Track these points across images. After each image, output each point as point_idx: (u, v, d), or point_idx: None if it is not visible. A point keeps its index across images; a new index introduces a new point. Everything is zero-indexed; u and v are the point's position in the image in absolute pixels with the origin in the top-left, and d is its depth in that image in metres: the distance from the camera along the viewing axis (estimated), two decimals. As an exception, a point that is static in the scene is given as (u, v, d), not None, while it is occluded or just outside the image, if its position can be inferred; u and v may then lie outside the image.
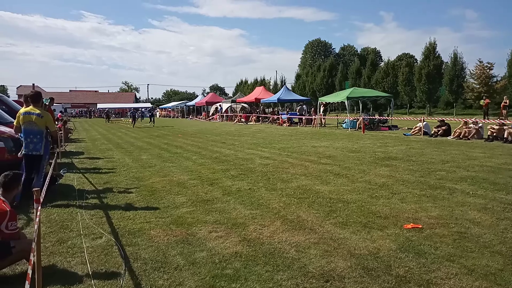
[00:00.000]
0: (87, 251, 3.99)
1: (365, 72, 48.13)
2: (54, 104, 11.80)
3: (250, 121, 33.64)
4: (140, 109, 53.34)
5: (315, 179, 7.57)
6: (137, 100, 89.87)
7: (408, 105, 44.22)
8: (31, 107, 6.07)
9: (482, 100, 29.57)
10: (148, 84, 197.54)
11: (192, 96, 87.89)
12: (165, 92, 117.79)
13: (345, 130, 21.75)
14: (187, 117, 51.93)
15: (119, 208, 5.66)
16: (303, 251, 3.92)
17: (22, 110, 6.15)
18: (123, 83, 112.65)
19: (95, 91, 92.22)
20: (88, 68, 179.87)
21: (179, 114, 57.67)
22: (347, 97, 22.92)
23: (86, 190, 6.89)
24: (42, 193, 3.88)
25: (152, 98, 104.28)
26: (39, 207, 3.05)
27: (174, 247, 4.09)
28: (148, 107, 59.29)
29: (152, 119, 34.29)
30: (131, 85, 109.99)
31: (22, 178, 5.07)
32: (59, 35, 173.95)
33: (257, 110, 37.05)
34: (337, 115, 33.24)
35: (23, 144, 6.05)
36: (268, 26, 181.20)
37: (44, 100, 7.27)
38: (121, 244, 4.17)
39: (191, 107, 53.71)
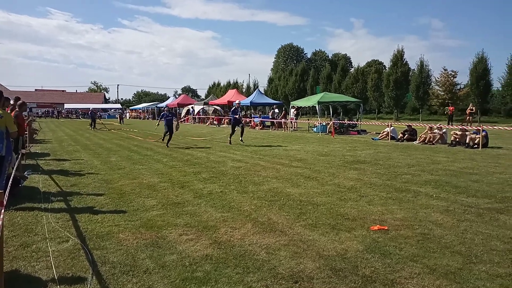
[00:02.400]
0: (52, 255, 3.88)
1: (336, 78, 49.19)
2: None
3: (223, 124, 33.57)
4: (97, 109, 50.19)
5: (286, 182, 7.67)
6: (106, 101, 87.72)
7: (377, 110, 45.48)
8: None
9: (447, 108, 30.91)
10: (118, 85, 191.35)
11: (164, 98, 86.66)
12: (135, 93, 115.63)
13: (316, 134, 22.12)
14: (158, 119, 51.16)
15: (87, 211, 5.52)
16: (273, 253, 3.97)
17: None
18: (92, 83, 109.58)
19: (62, 90, 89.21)
20: (55, 67, 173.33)
21: (150, 116, 56.74)
22: (318, 101, 23.33)
23: (52, 193, 6.68)
24: (5, 196, 3.74)
25: (122, 99, 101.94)
26: (2, 210, 2.95)
27: (143, 250, 4.05)
28: (118, 108, 58.03)
29: (122, 121, 33.60)
30: (100, 85, 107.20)
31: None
32: (23, 32, 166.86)
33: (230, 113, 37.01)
34: (308, 119, 33.75)
35: None
36: (241, 29, 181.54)
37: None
38: (89, 248, 4.08)
39: (163, 108, 53.00)
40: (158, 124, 15.44)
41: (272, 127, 27.96)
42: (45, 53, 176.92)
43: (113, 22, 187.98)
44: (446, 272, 3.51)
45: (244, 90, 62.41)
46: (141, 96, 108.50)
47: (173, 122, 15.02)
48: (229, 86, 62.25)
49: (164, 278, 3.40)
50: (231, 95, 38.27)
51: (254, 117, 31.02)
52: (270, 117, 29.37)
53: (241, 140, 15.34)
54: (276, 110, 30.59)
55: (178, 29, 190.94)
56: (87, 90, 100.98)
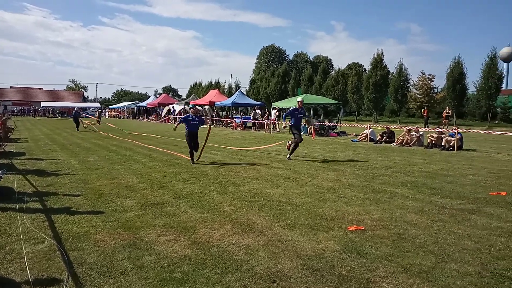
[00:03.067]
0: (27, 256, 3.81)
1: (317, 80, 49.59)
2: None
3: (204, 124, 33.31)
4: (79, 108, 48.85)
5: (266, 182, 7.72)
6: (85, 100, 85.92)
7: (356, 112, 46.12)
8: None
9: (421, 110, 31.75)
10: (97, 83, 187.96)
11: (144, 97, 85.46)
12: (115, 92, 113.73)
13: (297, 135, 22.25)
14: (137, 118, 50.48)
15: (63, 212, 5.42)
16: (252, 253, 4.01)
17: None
18: (70, 81, 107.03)
19: (39, 88, 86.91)
20: (32, 64, 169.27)
21: (129, 115, 55.96)
22: (299, 103, 23.47)
23: (27, 193, 6.53)
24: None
25: (101, 97, 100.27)
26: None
27: (121, 251, 4.01)
28: (96, 107, 56.98)
29: (99, 120, 32.99)
30: (79, 83, 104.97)
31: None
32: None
33: (211, 113, 36.90)
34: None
35: None
36: (223, 30, 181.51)
37: None
38: (65, 249, 4.01)
39: (143, 108, 52.35)
40: (175, 128, 10.97)
41: (253, 128, 28.02)
42: (21, 49, 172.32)
43: (93, 20, 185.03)
44: (419, 271, 3.62)
45: (226, 90, 62.21)
46: (121, 95, 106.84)
47: (198, 128, 10.74)
48: (210, 86, 61.98)
49: (142, 279, 3.39)
50: (212, 95, 38.14)
51: (235, 118, 31.00)
52: (251, 118, 29.43)
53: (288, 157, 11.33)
54: (258, 111, 30.69)
55: (159, 28, 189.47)
56: (65, 88, 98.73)
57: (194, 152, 10.43)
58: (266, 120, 26.55)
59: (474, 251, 4.12)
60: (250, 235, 4.57)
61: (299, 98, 12.35)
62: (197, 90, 65.96)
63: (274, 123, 26.46)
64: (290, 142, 11.33)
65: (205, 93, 50.67)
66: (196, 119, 10.66)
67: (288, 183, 7.66)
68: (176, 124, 11.02)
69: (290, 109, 11.50)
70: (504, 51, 62.62)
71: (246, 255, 3.95)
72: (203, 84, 68.46)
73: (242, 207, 5.81)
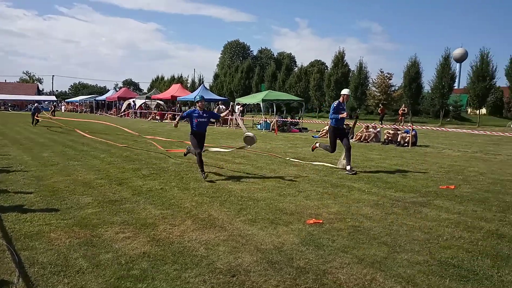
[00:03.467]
0: (-27, 258, 3.61)
1: (280, 76, 50.15)
2: None
3: (165, 119, 32.87)
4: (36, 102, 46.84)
5: (228, 178, 7.74)
6: (39, 92, 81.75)
7: (318, 109, 47.07)
8: None
9: (377, 108, 33.02)
10: (53, 75, 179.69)
11: (103, 91, 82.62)
12: (72, 84, 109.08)
13: (260, 131, 22.44)
14: (96, 113, 48.75)
15: (15, 210, 5.17)
16: (212, 249, 4.02)
17: None
18: (24, 73, 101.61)
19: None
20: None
21: (87, 109, 53.93)
22: (262, 99, 23.68)
23: (-27, 191, 6.16)
24: None
25: (57, 90, 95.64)
26: None
27: (76, 249, 3.90)
28: (52, 100, 54.47)
29: (53, 113, 31.61)
30: (33, 75, 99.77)
31: None
32: None
33: (173, 108, 36.34)
34: (253, 116, 34.13)
35: None
36: (186, 23, 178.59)
37: None
38: (15, 249, 3.84)
39: (101, 102, 50.62)
40: (176, 125, 8.67)
41: (216, 124, 27.87)
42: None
43: (50, 9, 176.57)
44: (372, 261, 3.78)
45: (189, 85, 61.50)
46: (79, 88, 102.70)
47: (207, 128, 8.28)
48: (173, 80, 60.95)
49: (98, 277, 3.31)
50: (175, 90, 37.56)
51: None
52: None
53: (348, 168, 8.49)
54: (222, 107, 30.54)
55: (120, 20, 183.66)
56: (18, 80, 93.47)
57: (202, 159, 7.81)
58: (230, 116, 26.51)
59: (424, 241, 4.36)
60: (211, 231, 4.57)
61: (346, 92, 8.86)
62: (159, 84, 64.67)
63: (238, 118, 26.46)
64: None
65: (167, 87, 49.76)
66: (205, 115, 8.03)
67: (250, 178, 7.72)
68: (176, 121, 8.63)
69: (335, 105, 8.66)
70: (457, 52, 65.95)
71: (207, 251, 3.96)
72: (165, 78, 67.24)
73: (203, 203, 5.80)
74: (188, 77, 69.60)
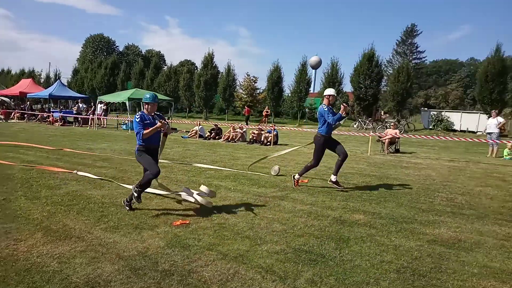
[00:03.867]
0: None
1: (149, 74, 48.43)
2: None
3: (12, 119, 28.59)
4: None
5: (88, 183, 7.14)
6: None
7: (188, 109, 46.99)
8: None
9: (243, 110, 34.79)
10: None
11: None
12: None
13: (126, 132, 21.31)
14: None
15: None
16: (67, 262, 3.67)
17: None
18: None
19: None
20: None
21: None
22: (128, 97, 22.50)
23: None
24: None
25: None
26: None
27: None
28: None
29: None
30: None
31: None
32: None
33: (22, 106, 31.84)
34: (117, 116, 32.18)
35: None
36: (41, 11, 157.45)
37: None
38: None
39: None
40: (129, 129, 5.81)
41: (75, 124, 25.42)
42: None
43: None
44: (236, 255, 3.97)
45: (42, 80, 54.74)
46: None
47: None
48: (23, 74, 53.42)
49: None
50: (24, 86, 33.04)
51: (53, 112, 27.50)
52: (74, 112, 26.63)
53: (334, 180, 7.40)
54: (82, 105, 27.95)
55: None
56: None
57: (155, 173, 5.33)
58: (91, 115, 24.45)
59: (281, 232, 4.76)
60: (66, 242, 4.16)
61: (332, 92, 7.36)
62: (5, 78, 55.98)
63: (100, 118, 24.63)
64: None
65: (15, 82, 43.28)
66: (156, 122, 5.53)
67: (112, 183, 7.26)
68: (149, 130, 5.41)
69: (326, 109, 7.18)
70: (312, 59, 73.32)
71: (60, 265, 3.60)
72: (13, 72, 58.66)
73: (57, 213, 5.24)
74: (41, 71, 61.90)
